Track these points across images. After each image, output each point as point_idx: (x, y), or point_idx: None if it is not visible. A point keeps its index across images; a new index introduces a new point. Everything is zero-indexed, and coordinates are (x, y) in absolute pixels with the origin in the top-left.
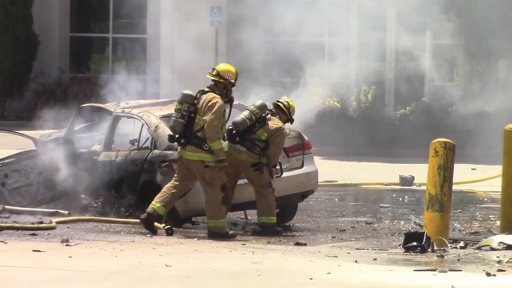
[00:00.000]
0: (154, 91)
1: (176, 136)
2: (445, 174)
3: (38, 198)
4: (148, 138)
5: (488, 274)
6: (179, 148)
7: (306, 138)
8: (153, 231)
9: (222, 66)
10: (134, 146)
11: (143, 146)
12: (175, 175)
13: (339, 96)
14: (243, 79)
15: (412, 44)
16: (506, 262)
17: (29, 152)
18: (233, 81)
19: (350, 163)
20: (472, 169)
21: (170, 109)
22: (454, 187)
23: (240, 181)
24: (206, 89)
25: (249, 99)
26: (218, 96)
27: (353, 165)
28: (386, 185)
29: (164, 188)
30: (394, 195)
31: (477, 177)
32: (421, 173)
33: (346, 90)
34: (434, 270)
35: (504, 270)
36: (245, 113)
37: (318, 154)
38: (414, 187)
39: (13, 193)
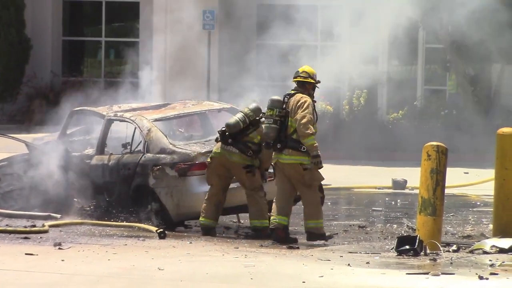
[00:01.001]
0: (147, 94)
1: (271, 142)
2: (437, 178)
3: (31, 202)
4: (140, 142)
5: (481, 278)
6: (273, 153)
7: None
8: (292, 241)
9: (309, 68)
10: (126, 149)
11: (136, 149)
12: (276, 183)
13: (332, 99)
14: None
15: (404, 48)
16: (498, 266)
17: (22, 156)
18: (319, 81)
19: (342, 166)
20: (465, 172)
21: (163, 113)
22: (447, 191)
23: (232, 185)
24: (292, 92)
25: (242, 103)
26: (307, 96)
27: (345, 168)
28: (379, 188)
29: (275, 200)
30: (387, 198)
31: (470, 181)
32: (413, 176)
33: (339, 94)
34: (427, 273)
35: (496, 274)
36: (239, 115)
37: None
38: (406, 190)
39: (5, 197)
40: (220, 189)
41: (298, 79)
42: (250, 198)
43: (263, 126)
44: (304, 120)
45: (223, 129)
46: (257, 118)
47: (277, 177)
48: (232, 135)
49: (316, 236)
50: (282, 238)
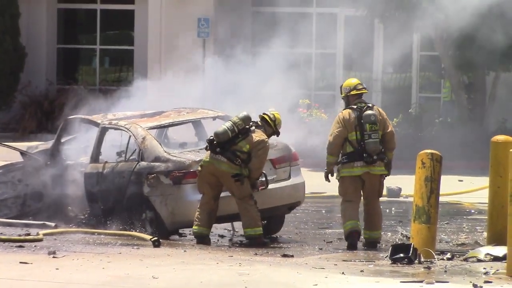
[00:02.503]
0: (141, 102)
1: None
2: (432, 186)
3: (25, 210)
4: (135, 150)
5: (475, 286)
6: (358, 164)
7: (293, 149)
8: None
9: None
10: (121, 158)
11: (131, 157)
12: (347, 194)
13: (327, 107)
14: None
15: (398, 56)
16: (493, 274)
17: (16, 164)
18: None
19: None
20: (459, 180)
21: (157, 121)
22: (441, 199)
23: (225, 193)
24: (364, 104)
25: (235, 111)
26: None
27: None
28: None
29: (344, 209)
30: (382, 206)
31: (464, 189)
32: (408, 184)
33: (333, 102)
34: (421, 281)
35: (490, 282)
36: (228, 124)
37: (305, 165)
38: (401, 198)
39: (0, 205)
40: (211, 198)
41: (365, 91)
42: (240, 207)
43: (367, 141)
44: (394, 133)
45: (211, 137)
46: (247, 126)
47: (351, 189)
48: (221, 144)
49: (377, 243)
50: (356, 244)
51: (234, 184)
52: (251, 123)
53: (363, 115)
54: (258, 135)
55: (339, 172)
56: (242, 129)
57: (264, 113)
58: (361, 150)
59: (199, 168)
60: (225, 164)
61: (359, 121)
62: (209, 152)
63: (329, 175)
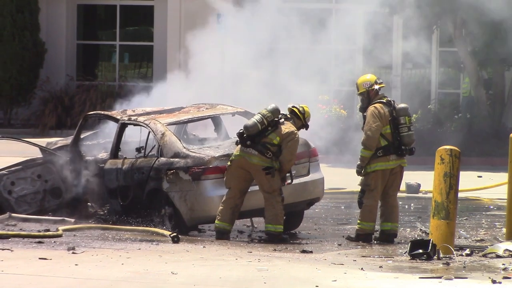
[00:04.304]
0: (161, 98)
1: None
2: (451, 182)
3: (45, 206)
4: (154, 146)
5: (494, 282)
6: (392, 157)
7: (312, 145)
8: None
9: None
10: (140, 153)
11: (150, 153)
12: (374, 190)
13: (345, 103)
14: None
15: (418, 52)
16: (511, 270)
17: (36, 160)
18: None
19: None
20: (478, 176)
21: (176, 117)
22: (460, 195)
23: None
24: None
25: (257, 107)
26: None
27: None
28: None
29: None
30: (401, 202)
31: (483, 185)
32: (427, 180)
33: (353, 98)
34: (440, 277)
35: (509, 278)
36: (257, 117)
37: (324, 161)
38: (420, 194)
39: (19, 201)
40: (237, 192)
41: (384, 85)
42: (267, 202)
43: (405, 134)
44: None
45: (241, 131)
46: (276, 119)
47: (380, 183)
48: (251, 137)
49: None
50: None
51: (265, 177)
52: (280, 115)
53: (397, 108)
54: (287, 127)
55: (370, 166)
56: (271, 121)
57: (293, 106)
58: (396, 143)
59: (229, 163)
60: (256, 157)
61: (391, 115)
62: (239, 146)
63: (362, 170)
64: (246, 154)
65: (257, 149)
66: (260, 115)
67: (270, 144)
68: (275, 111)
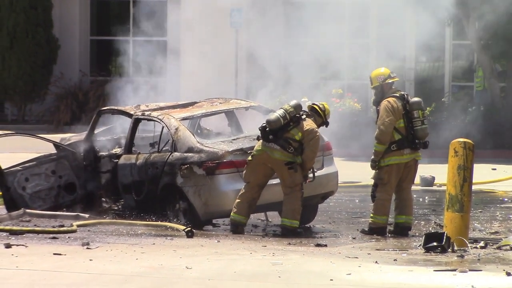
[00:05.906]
0: (174, 93)
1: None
2: (465, 174)
3: (59, 202)
4: (168, 141)
5: (508, 274)
6: (406, 151)
7: (326, 139)
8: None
9: None
10: (154, 148)
11: (163, 148)
12: (388, 184)
13: (360, 97)
14: (266, 81)
15: (432, 45)
16: None
17: (50, 156)
18: None
19: None
20: (493, 169)
21: (190, 111)
22: (474, 187)
23: None
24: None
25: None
26: None
27: None
28: None
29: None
30: (415, 195)
31: (497, 177)
32: (441, 173)
33: (367, 91)
34: (454, 270)
35: None
36: (280, 111)
37: (338, 155)
38: (434, 187)
39: (33, 197)
40: (255, 186)
41: (397, 79)
42: (286, 197)
43: (419, 128)
44: None
45: (264, 125)
46: (297, 114)
47: (394, 177)
48: (273, 132)
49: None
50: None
51: (287, 172)
52: (301, 112)
53: (411, 102)
54: (308, 123)
55: (384, 160)
56: (293, 116)
57: (314, 104)
58: (410, 137)
59: (250, 158)
60: (278, 152)
61: (404, 108)
62: (260, 141)
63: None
64: (268, 149)
65: (279, 144)
66: (283, 110)
67: (292, 140)
68: (298, 107)
